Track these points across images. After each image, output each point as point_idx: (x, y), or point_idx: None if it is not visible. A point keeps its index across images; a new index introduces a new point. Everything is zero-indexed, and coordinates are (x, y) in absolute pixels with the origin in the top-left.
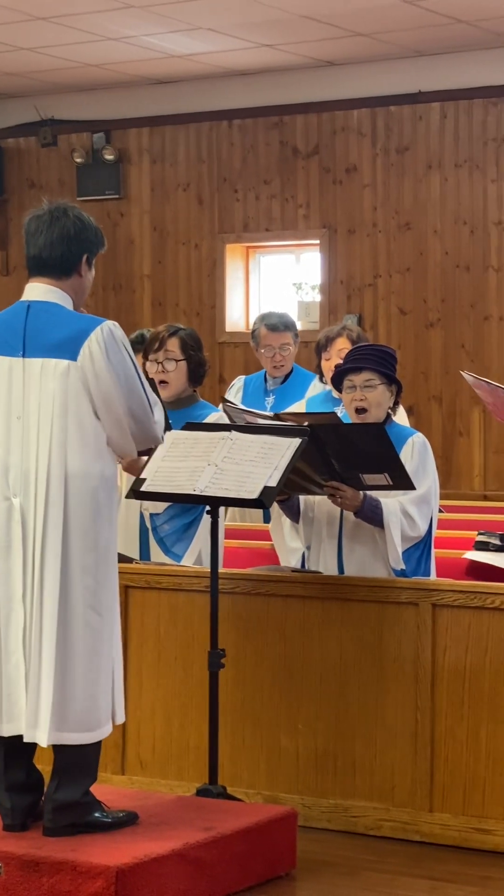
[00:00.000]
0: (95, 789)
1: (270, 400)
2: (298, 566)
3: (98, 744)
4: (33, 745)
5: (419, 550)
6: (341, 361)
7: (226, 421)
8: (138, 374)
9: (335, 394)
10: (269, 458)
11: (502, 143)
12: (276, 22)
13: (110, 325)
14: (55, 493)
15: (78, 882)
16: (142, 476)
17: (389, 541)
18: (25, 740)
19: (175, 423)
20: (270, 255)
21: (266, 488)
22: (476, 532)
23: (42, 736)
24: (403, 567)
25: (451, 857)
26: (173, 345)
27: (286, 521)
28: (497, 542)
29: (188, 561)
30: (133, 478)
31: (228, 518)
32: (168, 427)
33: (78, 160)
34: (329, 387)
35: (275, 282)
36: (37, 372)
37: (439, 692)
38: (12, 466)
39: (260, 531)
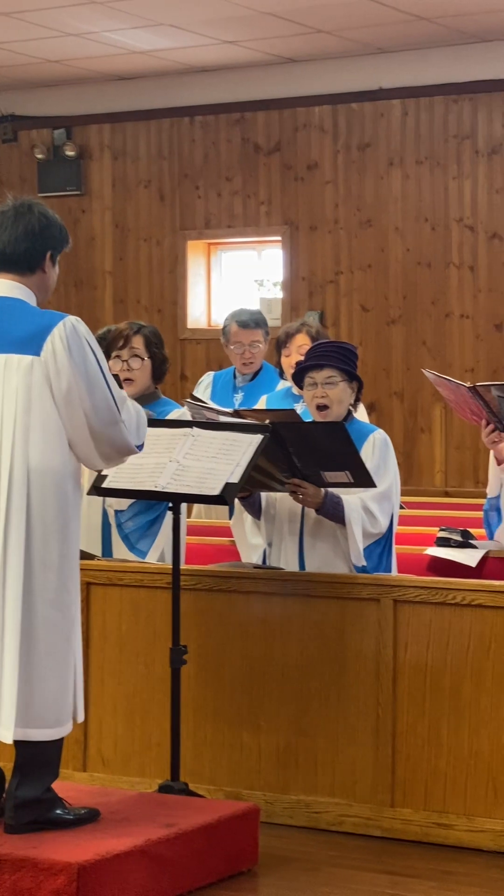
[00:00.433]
0: (57, 786)
1: (239, 397)
2: (260, 563)
3: (60, 741)
4: None
5: (380, 547)
6: (301, 357)
7: (188, 418)
8: (102, 371)
9: (295, 390)
10: (231, 455)
11: (463, 140)
12: (237, 18)
13: (73, 320)
14: (18, 489)
15: (39, 879)
16: (103, 472)
17: (351, 537)
18: None
19: None
20: (232, 252)
21: (228, 485)
22: (438, 528)
23: (6, 733)
24: (365, 564)
25: (413, 852)
26: (138, 342)
27: (248, 518)
28: (458, 537)
29: (152, 557)
30: (95, 474)
31: (194, 514)
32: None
33: (39, 156)
34: (289, 383)
35: (237, 278)
36: (0, 368)
37: (401, 688)
38: None
39: (222, 528)
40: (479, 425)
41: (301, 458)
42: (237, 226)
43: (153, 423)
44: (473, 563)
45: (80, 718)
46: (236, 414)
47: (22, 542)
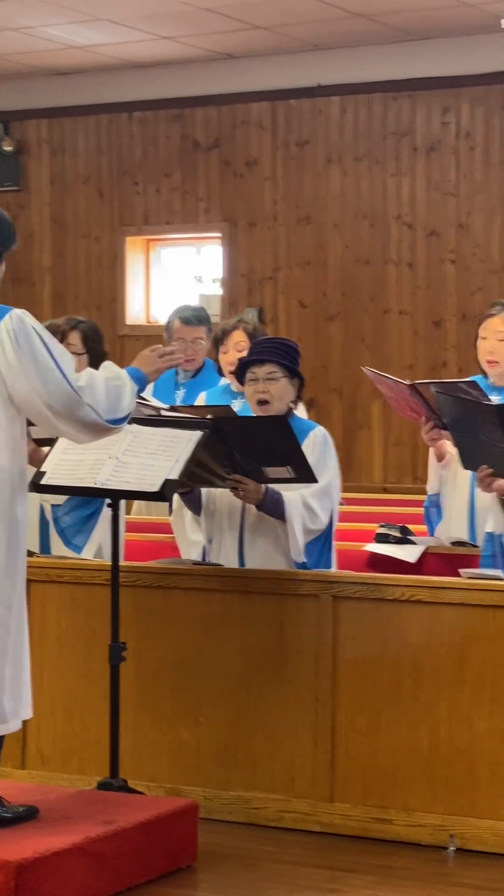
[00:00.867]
0: None
1: (181, 393)
2: (200, 559)
3: (1, 738)
4: None
5: (320, 543)
6: (238, 354)
7: None
8: (54, 358)
9: (234, 387)
10: (171, 451)
11: (402, 137)
12: (176, 14)
13: (19, 312)
14: None
15: None
16: (42, 469)
17: (291, 533)
18: None
19: None
20: (171, 248)
21: (167, 481)
22: (377, 524)
23: None
24: (305, 560)
25: (352, 847)
26: (74, 338)
27: (188, 514)
28: (397, 533)
29: (88, 553)
30: (34, 470)
31: (134, 511)
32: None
33: None
34: (228, 379)
35: (176, 275)
36: None
37: (340, 684)
38: None
39: (162, 524)
40: (418, 422)
41: (242, 453)
42: (176, 222)
43: None
44: (413, 560)
45: (27, 716)
46: (173, 411)
47: None
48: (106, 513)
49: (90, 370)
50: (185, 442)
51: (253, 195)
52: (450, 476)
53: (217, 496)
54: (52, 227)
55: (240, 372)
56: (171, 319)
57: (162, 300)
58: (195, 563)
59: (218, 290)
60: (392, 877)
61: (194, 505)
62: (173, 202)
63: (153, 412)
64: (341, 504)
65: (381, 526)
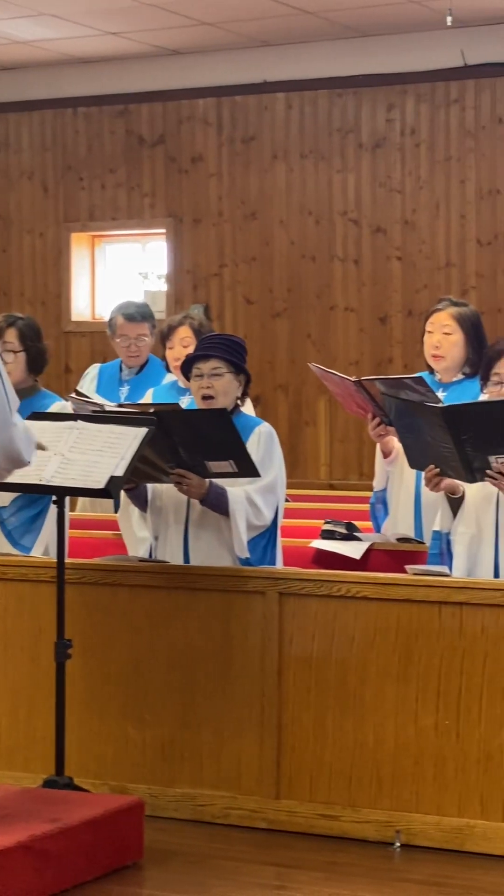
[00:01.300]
0: None
1: (125, 390)
2: (147, 556)
3: None
4: None
5: (265, 539)
6: (184, 350)
7: (69, 411)
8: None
9: (182, 383)
10: (116, 448)
11: (347, 134)
12: (121, 10)
13: None
14: None
15: None
16: None
17: (234, 529)
18: None
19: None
20: (116, 244)
21: (113, 478)
22: (322, 521)
23: None
24: (248, 556)
25: (298, 843)
26: (11, 335)
27: (134, 511)
28: (343, 530)
29: (37, 552)
30: None
31: (79, 507)
32: None
33: None
34: (175, 376)
35: (121, 271)
36: None
37: (286, 680)
38: None
39: (108, 521)
40: (364, 419)
41: (185, 447)
42: (121, 218)
43: (38, 416)
44: (358, 556)
45: None
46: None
47: None
48: (52, 511)
49: None
50: (131, 439)
51: (198, 191)
52: (396, 472)
53: (163, 492)
54: None
55: (185, 368)
56: (113, 316)
57: (107, 296)
58: (142, 560)
59: (163, 287)
60: (338, 873)
61: (140, 501)
62: (118, 198)
63: (97, 409)
64: (287, 501)
65: (327, 522)
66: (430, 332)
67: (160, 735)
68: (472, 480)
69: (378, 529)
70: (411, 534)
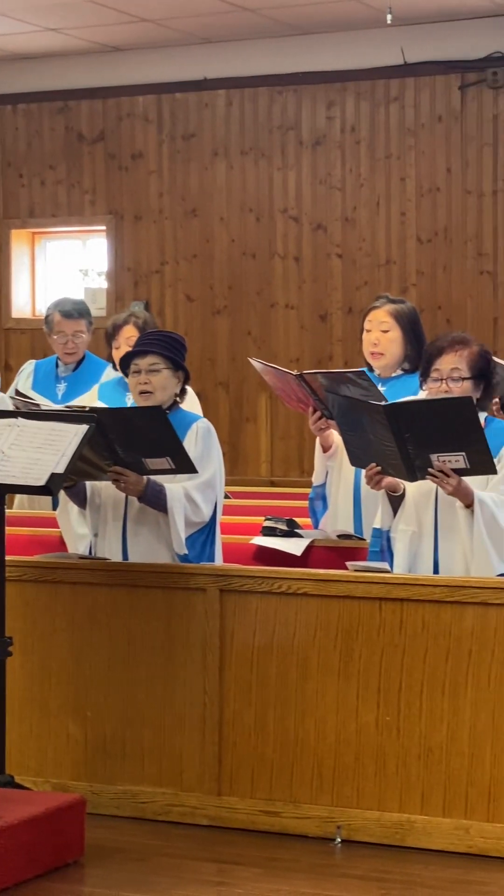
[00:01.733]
0: None
1: (62, 387)
2: (87, 553)
3: None
4: None
5: (203, 535)
6: (129, 348)
7: (7, 407)
8: None
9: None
10: (57, 445)
11: (287, 131)
12: (61, 6)
13: None
14: None
15: None
16: None
17: (173, 526)
18: None
19: None
20: (56, 241)
21: (53, 475)
22: (263, 517)
23: None
24: (186, 552)
25: (239, 839)
26: None
27: (73, 508)
28: (284, 527)
29: None
30: None
31: (16, 504)
32: None
33: None
34: (121, 373)
35: (61, 268)
36: None
37: (227, 677)
38: None
39: (47, 518)
40: (305, 413)
41: (122, 445)
42: (61, 215)
43: None
44: (299, 552)
45: None
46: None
47: None
48: None
49: None
50: (72, 436)
51: (139, 188)
52: (335, 467)
53: (101, 489)
54: None
55: (123, 364)
56: (50, 312)
57: (47, 293)
58: (82, 558)
59: (104, 284)
60: (279, 869)
61: (79, 498)
62: (59, 195)
63: (34, 406)
64: (227, 497)
65: (268, 519)
66: (368, 329)
67: (101, 732)
68: (413, 479)
69: (316, 524)
70: (350, 529)
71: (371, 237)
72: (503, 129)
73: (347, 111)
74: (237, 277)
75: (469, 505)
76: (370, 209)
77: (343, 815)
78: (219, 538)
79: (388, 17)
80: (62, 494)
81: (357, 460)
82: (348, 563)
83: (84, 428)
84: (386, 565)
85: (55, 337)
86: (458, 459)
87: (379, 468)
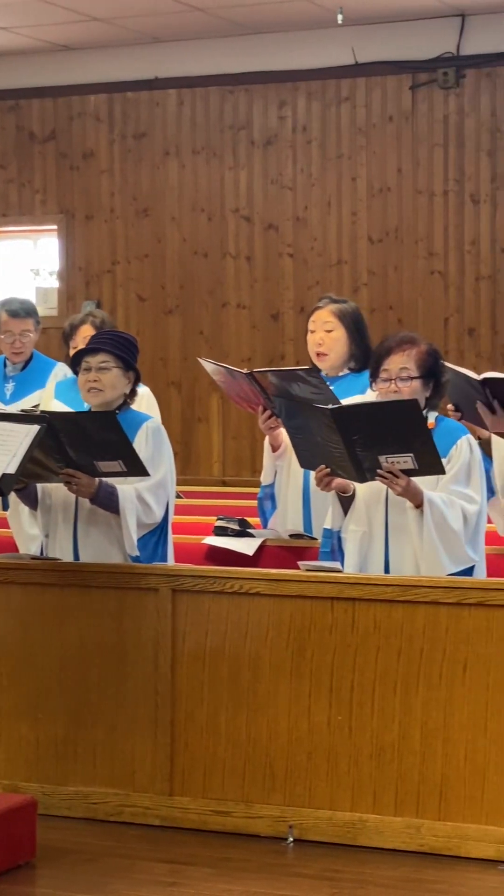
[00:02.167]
0: None
1: (10, 386)
2: (38, 554)
3: None
4: None
5: (155, 536)
6: None
7: None
8: None
9: None
10: (7, 446)
11: (239, 130)
12: (11, 4)
13: None
14: None
15: None
16: None
17: (125, 527)
18: None
19: None
20: (7, 241)
21: (4, 476)
22: (215, 517)
23: None
24: (138, 554)
25: (191, 839)
26: None
27: (24, 509)
28: (236, 526)
29: None
30: None
31: None
32: None
33: None
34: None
35: (12, 267)
36: None
37: (179, 677)
38: None
39: None
40: (255, 413)
41: (74, 448)
42: (12, 214)
43: None
44: (251, 552)
45: None
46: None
47: None
48: None
49: None
50: (22, 436)
51: (90, 187)
52: (284, 466)
53: (53, 490)
54: None
55: (74, 361)
56: None
57: None
58: (33, 558)
59: (55, 284)
60: (231, 868)
61: (30, 500)
62: (9, 194)
63: None
64: (179, 497)
65: (220, 519)
66: (312, 330)
67: (53, 733)
68: (362, 480)
69: (265, 524)
70: (300, 528)
71: (322, 237)
72: (454, 130)
73: (299, 111)
74: (189, 277)
75: (419, 505)
76: (321, 209)
77: (295, 814)
78: (170, 538)
79: (339, 17)
80: (13, 495)
81: (306, 462)
82: (300, 563)
83: (35, 428)
84: (338, 565)
85: (2, 336)
86: (406, 460)
87: (328, 470)
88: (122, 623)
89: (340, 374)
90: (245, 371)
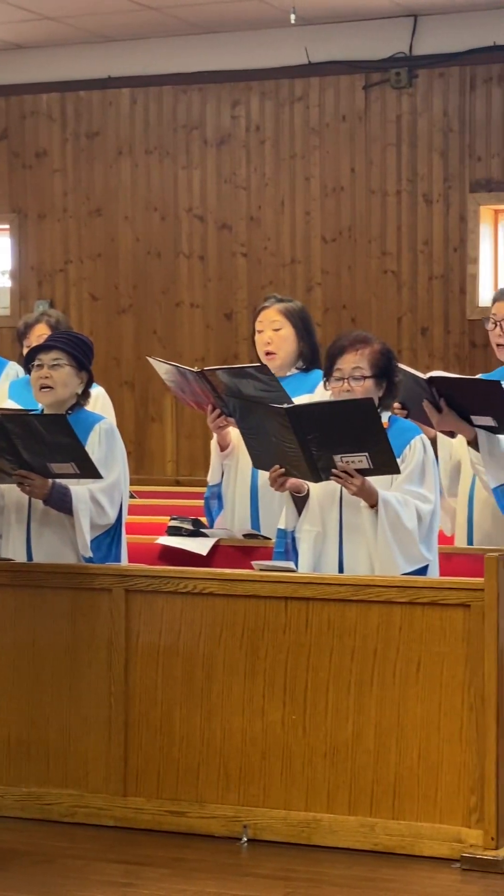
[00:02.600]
0: None
1: None
2: None
3: None
4: None
5: (109, 537)
6: None
7: None
8: None
9: None
10: None
11: (192, 130)
12: None
13: None
14: None
15: None
16: None
17: (78, 529)
18: None
19: None
20: None
21: None
22: (169, 517)
23: None
24: (91, 555)
25: (146, 840)
26: None
27: None
28: (189, 526)
29: None
30: None
31: None
32: None
33: None
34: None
35: None
36: None
37: (133, 677)
38: None
39: None
40: (204, 412)
41: (27, 449)
42: None
43: None
44: (204, 552)
45: None
46: None
47: None
48: None
49: None
50: None
51: (42, 187)
52: (232, 465)
53: (6, 491)
54: None
55: (28, 359)
56: None
57: None
58: None
59: (7, 283)
60: (185, 869)
61: None
62: None
63: None
64: (132, 497)
65: (173, 519)
66: (259, 330)
67: (6, 734)
68: (317, 480)
69: (212, 524)
70: (248, 526)
71: (276, 236)
72: (407, 130)
73: (252, 110)
74: (142, 276)
75: (373, 505)
76: (275, 208)
77: (249, 814)
78: (124, 539)
79: (292, 17)
80: None
81: (260, 463)
82: (254, 563)
83: None
84: (291, 564)
85: None
86: (361, 460)
87: (283, 470)
88: (75, 623)
89: (289, 373)
90: (196, 370)
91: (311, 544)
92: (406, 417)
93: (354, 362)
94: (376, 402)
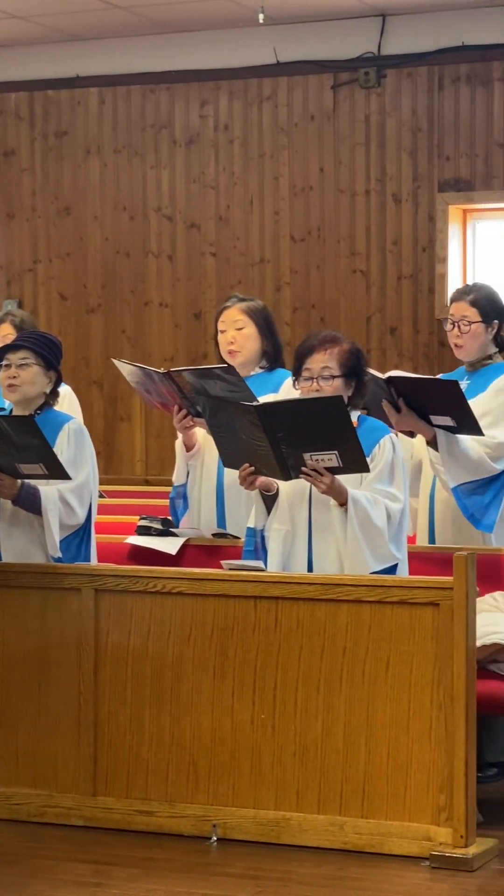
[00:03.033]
0: None
1: None
2: None
3: None
4: None
5: (78, 537)
6: None
7: None
8: None
9: None
10: None
11: (161, 129)
12: None
13: None
14: None
15: None
16: None
17: (47, 529)
18: None
19: None
20: None
21: None
22: (138, 517)
23: None
24: (60, 555)
25: (115, 840)
26: None
27: None
28: (159, 526)
29: None
30: None
31: None
32: None
33: None
34: None
35: None
36: None
37: (102, 677)
38: None
39: None
40: (170, 413)
41: None
42: None
43: None
44: (174, 551)
45: None
46: None
47: None
48: None
49: None
50: None
51: (11, 186)
52: (197, 465)
53: None
54: None
55: None
56: None
57: None
58: None
59: None
60: (155, 868)
61: None
62: None
63: None
64: (101, 496)
65: (143, 518)
66: (222, 330)
67: None
68: (287, 478)
69: (177, 523)
70: (214, 525)
71: (245, 236)
72: (375, 129)
73: (220, 110)
74: (111, 276)
75: (343, 503)
76: (244, 208)
77: (219, 813)
78: (93, 539)
79: (261, 16)
80: None
81: (230, 461)
82: (223, 562)
83: None
84: (261, 564)
85: None
86: (331, 458)
87: (252, 468)
88: (44, 623)
89: (252, 372)
90: (162, 371)
91: (281, 543)
92: None
93: (323, 362)
94: (346, 401)
